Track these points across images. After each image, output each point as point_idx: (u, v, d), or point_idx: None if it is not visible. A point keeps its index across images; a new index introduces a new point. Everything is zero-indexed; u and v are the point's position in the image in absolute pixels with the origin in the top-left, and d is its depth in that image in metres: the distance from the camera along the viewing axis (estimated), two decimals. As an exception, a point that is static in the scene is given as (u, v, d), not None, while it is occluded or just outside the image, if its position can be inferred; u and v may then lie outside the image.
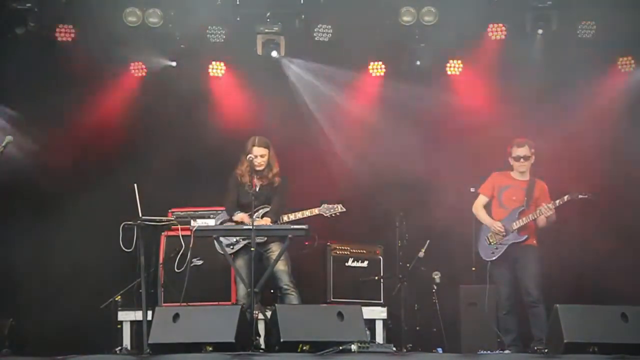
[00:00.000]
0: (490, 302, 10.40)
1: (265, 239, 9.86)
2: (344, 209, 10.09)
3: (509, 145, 10.57)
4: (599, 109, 11.73)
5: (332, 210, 10.05)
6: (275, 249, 9.88)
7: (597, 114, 11.69)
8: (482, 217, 10.57)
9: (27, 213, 11.66)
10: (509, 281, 10.36)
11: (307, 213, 10.03)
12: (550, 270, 10.79)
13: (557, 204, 10.28)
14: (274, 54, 11.69)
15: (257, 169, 9.98)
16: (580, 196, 10.24)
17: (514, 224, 10.36)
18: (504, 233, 10.34)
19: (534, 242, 10.44)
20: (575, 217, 10.96)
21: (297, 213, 10.03)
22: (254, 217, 9.77)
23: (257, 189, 10.00)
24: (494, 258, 10.39)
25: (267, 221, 9.90)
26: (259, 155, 9.98)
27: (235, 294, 10.29)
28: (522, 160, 10.47)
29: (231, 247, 9.98)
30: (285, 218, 9.99)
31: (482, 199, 10.63)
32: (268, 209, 10.01)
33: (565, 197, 10.27)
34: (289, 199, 10.15)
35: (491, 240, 10.43)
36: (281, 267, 9.86)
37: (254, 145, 10.00)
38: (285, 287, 9.88)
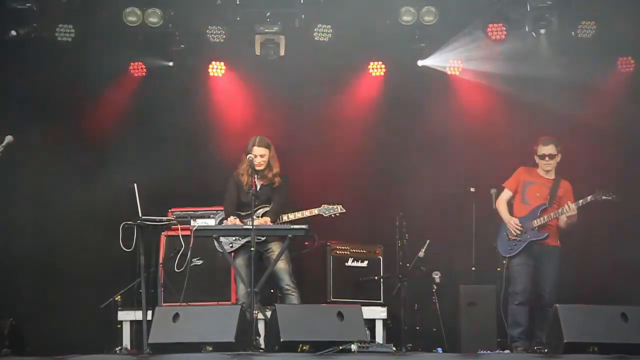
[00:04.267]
0: (496, 301, 10.41)
1: (264, 238, 9.86)
2: (344, 210, 10.07)
3: (534, 144, 10.40)
4: (599, 108, 11.73)
5: (331, 211, 10.04)
6: (275, 249, 9.88)
7: (597, 113, 11.69)
8: (502, 212, 10.40)
9: (27, 212, 11.66)
10: (526, 275, 10.20)
11: (306, 213, 10.02)
12: (573, 271, 10.77)
13: (581, 204, 10.15)
14: (271, 54, 11.68)
15: (257, 168, 9.98)
16: (604, 197, 10.08)
17: (535, 221, 10.22)
18: (520, 231, 10.25)
19: (556, 242, 10.33)
20: (599, 218, 10.94)
21: (296, 213, 10.02)
22: (254, 216, 9.77)
23: (258, 189, 10.00)
24: (512, 254, 10.26)
25: (266, 221, 9.90)
26: (259, 155, 9.98)
27: (236, 293, 10.30)
28: (547, 158, 10.31)
29: (230, 245, 9.98)
30: (284, 218, 9.99)
31: (506, 194, 10.45)
32: (268, 209, 10.00)
33: (589, 198, 10.12)
34: (290, 198, 10.14)
35: (510, 236, 10.30)
36: (283, 267, 9.85)
37: (254, 145, 10.00)
38: (287, 287, 9.87)
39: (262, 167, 9.99)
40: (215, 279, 10.72)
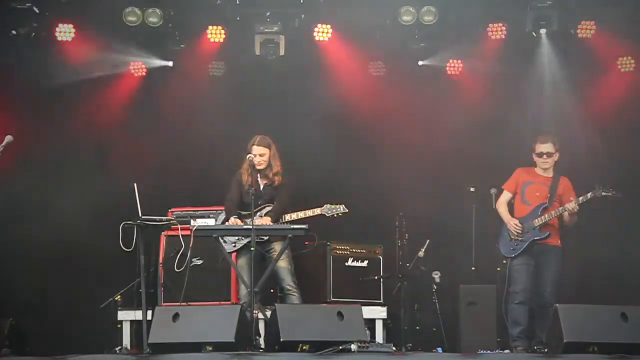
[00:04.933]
0: (496, 301, 10.43)
1: (267, 238, 9.86)
2: (347, 210, 10.05)
3: (533, 142, 10.39)
4: (599, 108, 11.73)
5: (334, 211, 10.01)
6: (278, 249, 9.85)
7: (597, 114, 11.69)
8: (503, 213, 10.40)
9: (27, 212, 11.67)
10: (527, 274, 10.19)
11: (309, 213, 10.01)
12: (573, 271, 10.77)
13: (581, 201, 10.12)
14: (272, 54, 11.69)
15: (258, 168, 9.99)
16: (604, 194, 10.06)
17: (536, 221, 10.21)
18: (520, 232, 10.24)
19: (558, 242, 10.32)
20: (601, 215, 10.94)
21: (299, 213, 10.01)
22: (257, 216, 9.77)
23: (261, 189, 10.01)
24: (514, 255, 10.27)
25: (267, 220, 9.89)
26: (258, 154, 9.99)
27: (237, 293, 10.31)
28: (545, 157, 10.31)
29: (233, 245, 9.97)
30: (287, 218, 9.98)
31: (506, 196, 10.46)
32: (271, 209, 9.99)
33: (589, 195, 10.10)
34: (293, 198, 10.14)
35: (512, 237, 10.31)
36: (285, 266, 9.84)
37: (254, 145, 10.01)
38: (289, 287, 9.86)
39: (262, 167, 10.00)
40: (215, 279, 10.71)
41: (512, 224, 10.28)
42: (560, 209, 10.21)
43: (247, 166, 9.96)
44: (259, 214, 9.91)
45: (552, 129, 10.62)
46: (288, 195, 10.04)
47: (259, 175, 10.02)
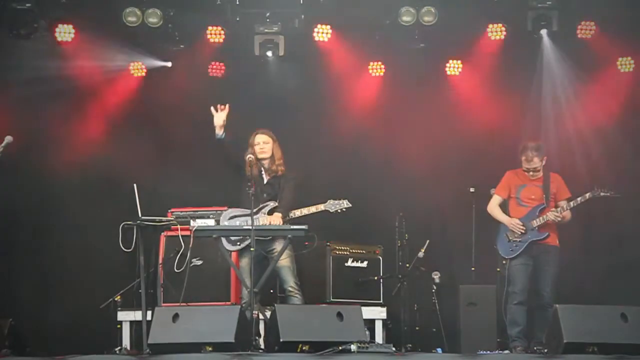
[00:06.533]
0: (497, 301, 10.43)
1: (270, 237, 9.82)
2: (350, 205, 9.97)
3: (519, 153, 10.27)
4: (598, 108, 11.74)
5: (337, 206, 9.94)
6: (279, 249, 9.84)
7: (596, 114, 11.70)
8: (499, 215, 10.35)
9: (27, 213, 11.67)
10: (525, 274, 10.14)
11: (312, 209, 9.95)
12: (573, 271, 10.77)
13: (579, 202, 10.12)
14: (269, 54, 11.70)
15: (260, 156, 9.90)
16: (602, 194, 10.04)
17: (534, 221, 10.18)
18: (523, 230, 10.24)
19: (556, 242, 10.29)
20: (600, 216, 10.93)
21: (302, 209, 9.97)
22: (260, 213, 9.75)
23: (265, 182, 9.95)
24: (513, 255, 10.23)
25: (278, 217, 9.82)
26: (262, 141, 9.93)
27: (236, 293, 10.30)
28: (532, 172, 10.27)
29: (238, 244, 9.94)
30: (291, 214, 9.94)
31: (496, 199, 10.40)
32: (275, 205, 9.95)
33: (587, 195, 10.07)
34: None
35: (510, 237, 10.28)
36: (287, 266, 9.79)
37: (256, 134, 9.97)
38: (290, 289, 9.81)
39: (266, 154, 9.92)
40: (215, 279, 10.71)
41: (514, 223, 10.22)
42: (558, 209, 10.18)
43: (248, 167, 9.93)
44: (262, 211, 9.86)
45: (533, 143, 10.45)
46: (294, 188, 9.95)
47: (262, 171, 9.97)
